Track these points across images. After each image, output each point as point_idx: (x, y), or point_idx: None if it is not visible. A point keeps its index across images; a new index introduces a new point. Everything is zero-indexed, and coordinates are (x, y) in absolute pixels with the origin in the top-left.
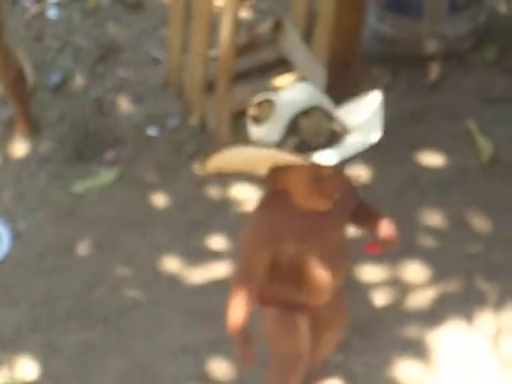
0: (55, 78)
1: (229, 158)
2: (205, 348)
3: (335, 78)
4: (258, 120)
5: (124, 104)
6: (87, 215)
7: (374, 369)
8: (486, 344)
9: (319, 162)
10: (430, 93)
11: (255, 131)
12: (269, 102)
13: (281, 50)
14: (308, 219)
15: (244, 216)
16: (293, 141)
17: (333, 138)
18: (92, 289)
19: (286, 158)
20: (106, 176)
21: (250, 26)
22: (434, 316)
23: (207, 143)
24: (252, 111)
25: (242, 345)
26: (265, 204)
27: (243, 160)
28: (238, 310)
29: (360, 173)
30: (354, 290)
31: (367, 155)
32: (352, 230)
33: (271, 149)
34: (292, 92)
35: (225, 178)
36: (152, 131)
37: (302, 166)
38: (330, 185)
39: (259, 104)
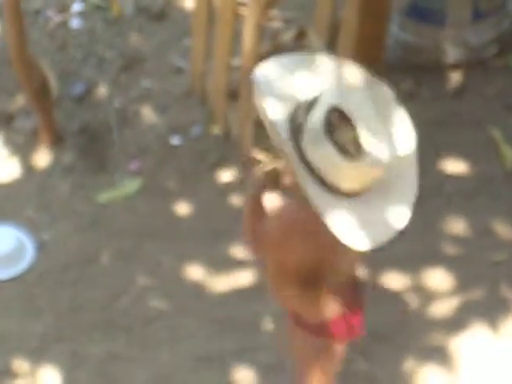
0: (79, 88)
1: None
2: (230, 357)
3: None
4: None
5: (147, 114)
6: (111, 225)
7: (399, 376)
8: (510, 352)
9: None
10: (454, 100)
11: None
12: None
13: None
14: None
15: None
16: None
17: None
18: (116, 299)
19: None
20: (129, 186)
21: (274, 34)
22: (458, 324)
23: (230, 152)
24: None
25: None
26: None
27: None
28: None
29: None
30: (378, 298)
31: None
32: None
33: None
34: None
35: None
36: (175, 140)
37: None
38: None
39: None
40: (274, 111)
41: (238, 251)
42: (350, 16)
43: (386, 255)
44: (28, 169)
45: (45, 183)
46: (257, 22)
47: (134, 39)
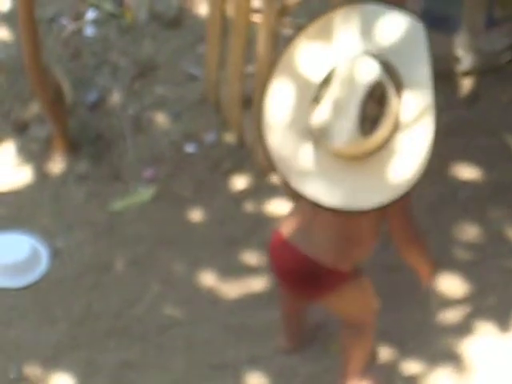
0: (92, 96)
1: None
2: (244, 364)
3: None
4: None
5: (161, 121)
6: (125, 233)
7: (411, 381)
8: None
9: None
10: (467, 107)
11: None
12: None
13: None
14: None
15: None
16: None
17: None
18: (131, 307)
19: None
20: (144, 194)
21: (288, 41)
22: (471, 330)
23: (244, 159)
24: None
25: None
26: None
27: None
28: None
29: None
30: (392, 303)
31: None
32: None
33: None
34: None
35: (261, 194)
36: (189, 148)
37: None
38: None
39: None
40: None
41: (252, 258)
42: None
43: (401, 260)
44: (42, 177)
45: (59, 191)
46: (271, 30)
47: (148, 47)
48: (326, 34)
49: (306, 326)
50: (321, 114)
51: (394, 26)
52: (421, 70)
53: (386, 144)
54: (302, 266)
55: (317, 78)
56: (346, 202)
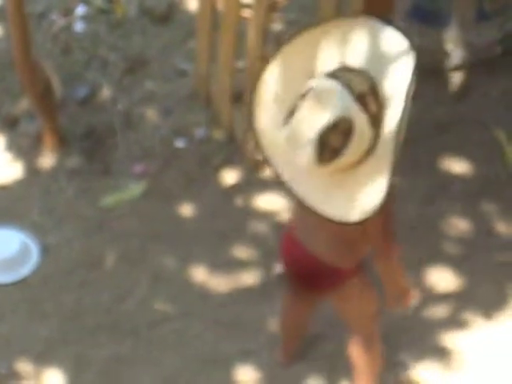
0: (82, 91)
1: None
2: (235, 359)
3: None
4: None
5: (152, 116)
6: (115, 228)
7: (400, 376)
8: None
9: None
10: (458, 102)
11: None
12: None
13: None
14: None
15: (272, 226)
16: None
17: None
18: (121, 302)
19: None
20: (134, 189)
21: (278, 36)
22: (461, 323)
23: (234, 154)
24: None
25: None
26: None
27: None
28: None
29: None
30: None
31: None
32: None
33: None
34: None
35: (251, 188)
36: (180, 143)
37: None
38: None
39: None
40: None
41: (243, 253)
42: None
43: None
44: (32, 172)
45: (49, 187)
46: (261, 25)
47: (138, 42)
48: (313, 44)
49: (304, 339)
50: (288, 130)
51: (382, 41)
52: (399, 86)
53: (359, 162)
54: (308, 262)
55: (300, 85)
56: (321, 207)
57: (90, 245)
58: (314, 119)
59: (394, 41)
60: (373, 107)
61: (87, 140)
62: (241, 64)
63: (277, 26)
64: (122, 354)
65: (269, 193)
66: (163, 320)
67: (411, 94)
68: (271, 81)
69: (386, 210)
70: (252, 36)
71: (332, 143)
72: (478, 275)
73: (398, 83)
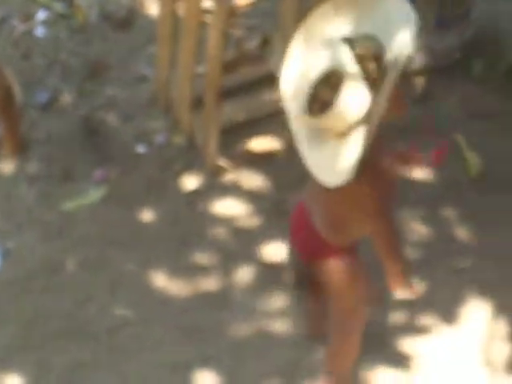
0: (43, 97)
1: None
2: (196, 364)
3: None
4: None
5: (112, 122)
6: (76, 234)
7: (362, 379)
8: (475, 355)
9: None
10: (417, 107)
11: None
12: None
13: (268, 67)
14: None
15: (232, 232)
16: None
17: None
18: (82, 307)
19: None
20: (94, 194)
21: (238, 42)
22: (420, 328)
23: (195, 160)
24: None
25: None
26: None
27: None
28: None
29: None
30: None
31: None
32: None
33: None
34: None
35: (212, 194)
36: (140, 148)
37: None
38: None
39: None
40: None
41: (203, 258)
42: None
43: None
44: None
45: (10, 192)
46: (221, 30)
47: (99, 47)
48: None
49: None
50: (293, 84)
51: (390, 9)
52: (400, 57)
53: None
54: (308, 231)
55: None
56: (315, 170)
57: (51, 250)
58: (308, 70)
59: (404, 10)
60: (373, 73)
61: (48, 145)
62: (201, 69)
63: (237, 32)
64: (82, 359)
65: (229, 198)
66: (124, 325)
67: (410, 63)
68: (296, 51)
69: (374, 188)
70: (212, 41)
71: (322, 95)
72: (438, 280)
73: (399, 54)
